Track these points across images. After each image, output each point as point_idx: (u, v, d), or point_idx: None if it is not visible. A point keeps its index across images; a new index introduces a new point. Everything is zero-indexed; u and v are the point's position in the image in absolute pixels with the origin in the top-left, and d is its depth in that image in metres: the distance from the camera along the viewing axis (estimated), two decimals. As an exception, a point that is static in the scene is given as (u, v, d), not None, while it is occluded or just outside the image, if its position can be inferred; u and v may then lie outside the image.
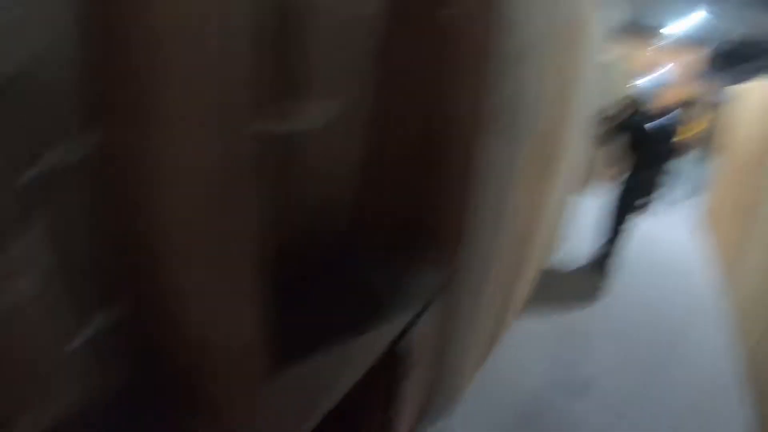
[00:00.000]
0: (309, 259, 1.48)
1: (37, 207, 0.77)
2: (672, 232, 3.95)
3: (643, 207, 2.87)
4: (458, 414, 2.00)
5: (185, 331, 0.87)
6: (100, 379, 1.07)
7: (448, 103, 1.37)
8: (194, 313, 0.81)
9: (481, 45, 1.32)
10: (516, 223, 1.52)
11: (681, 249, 3.68)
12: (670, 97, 2.98)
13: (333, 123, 1.33)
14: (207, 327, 0.81)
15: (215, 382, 0.90)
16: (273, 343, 0.80)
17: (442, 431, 1.95)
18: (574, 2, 1.83)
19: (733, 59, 6.68)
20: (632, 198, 2.86)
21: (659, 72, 3.04)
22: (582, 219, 3.31)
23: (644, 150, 2.74)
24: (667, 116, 2.77)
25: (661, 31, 6.16)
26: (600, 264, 2.93)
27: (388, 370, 1.40)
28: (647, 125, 2.68)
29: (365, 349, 1.27)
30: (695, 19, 5.23)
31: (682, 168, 4.43)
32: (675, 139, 2.89)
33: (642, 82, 2.92)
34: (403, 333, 1.34)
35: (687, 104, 3.26)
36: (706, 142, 5.07)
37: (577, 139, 2.35)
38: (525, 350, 2.33)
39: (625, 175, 2.82)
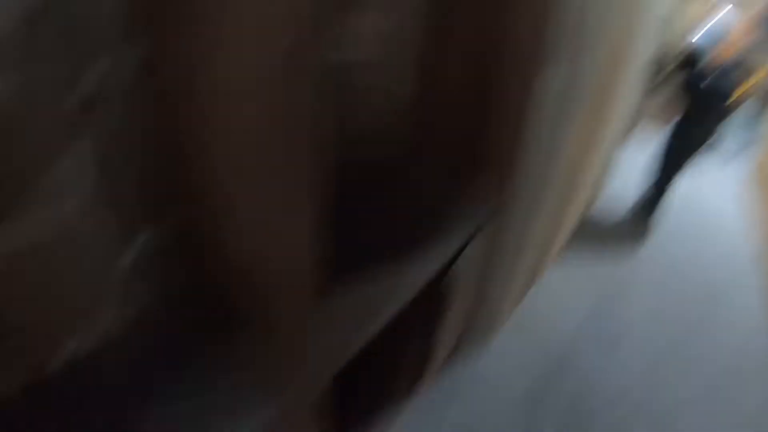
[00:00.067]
0: (363, 182, 1.48)
1: (82, 126, 0.77)
2: (718, 190, 3.82)
3: (690, 160, 2.77)
4: (492, 354, 2.03)
5: (237, 249, 0.88)
6: (148, 298, 1.10)
7: (507, 28, 1.32)
8: (247, 231, 0.82)
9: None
10: (566, 160, 1.49)
11: (726, 207, 3.56)
12: (728, 53, 2.82)
13: (387, 50, 1.30)
14: (260, 246, 0.81)
15: (265, 302, 0.92)
16: (325, 263, 0.79)
17: (476, 366, 1.98)
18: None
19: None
20: (680, 150, 2.76)
21: (718, 25, 2.88)
22: (629, 167, 3.22)
23: (697, 104, 2.62)
24: (723, 73, 2.63)
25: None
26: (643, 214, 2.87)
27: (433, 298, 1.41)
28: (702, 80, 2.56)
29: (413, 275, 1.28)
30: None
31: (734, 124, 4.24)
32: (729, 98, 2.75)
33: (700, 34, 2.78)
34: (450, 261, 1.34)
35: (745, 60, 3.08)
36: (762, 99, 4.83)
37: (634, 82, 2.26)
38: (561, 296, 2.34)
39: (675, 127, 2.72)
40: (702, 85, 2.56)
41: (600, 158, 2.21)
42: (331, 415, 1.19)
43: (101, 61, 0.74)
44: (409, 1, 1.29)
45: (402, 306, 1.21)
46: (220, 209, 0.84)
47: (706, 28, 2.83)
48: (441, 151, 1.55)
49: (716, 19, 2.99)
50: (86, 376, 1.00)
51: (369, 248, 1.33)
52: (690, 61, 2.65)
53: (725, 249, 2.96)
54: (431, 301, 1.43)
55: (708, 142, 2.76)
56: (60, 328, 0.97)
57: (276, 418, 0.99)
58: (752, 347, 2.25)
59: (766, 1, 5.55)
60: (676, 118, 2.70)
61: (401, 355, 1.68)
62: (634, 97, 2.28)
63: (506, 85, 1.35)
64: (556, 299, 2.33)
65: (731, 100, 2.69)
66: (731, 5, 3.14)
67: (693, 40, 2.78)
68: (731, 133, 4.38)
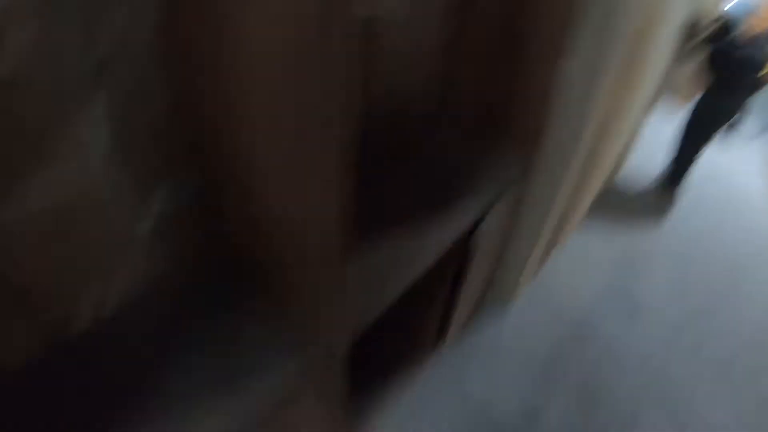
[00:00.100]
0: (390, 139, 1.47)
1: (99, 82, 0.76)
2: (744, 164, 3.74)
3: (717, 133, 2.71)
4: (511, 320, 2.04)
5: (262, 205, 0.88)
6: (171, 256, 1.10)
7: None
8: (272, 187, 0.81)
9: None
10: (594, 125, 1.46)
11: (751, 182, 3.49)
12: (762, 24, 2.73)
13: (414, 5, 1.28)
14: (285, 202, 0.80)
15: (291, 258, 0.91)
16: (352, 219, 0.78)
17: (494, 333, 2.00)
18: None
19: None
20: (707, 122, 2.69)
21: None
22: (655, 137, 3.16)
23: (728, 75, 2.55)
24: (757, 43, 2.55)
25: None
26: (667, 186, 2.83)
27: (458, 257, 1.41)
28: (735, 50, 2.48)
29: (439, 234, 1.28)
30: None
31: (762, 98, 4.11)
32: (761, 69, 2.67)
33: (734, 3, 2.69)
34: (475, 222, 1.34)
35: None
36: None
37: (664, 49, 2.20)
38: (582, 263, 2.33)
39: (703, 98, 2.66)
40: (734, 55, 2.48)
41: (627, 125, 2.17)
42: (353, 372, 1.21)
43: (119, 14, 0.74)
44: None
45: (427, 265, 1.21)
46: (245, 166, 0.83)
47: (744, -1, 2.73)
48: (467, 110, 1.53)
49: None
50: (111, 331, 1.01)
51: (395, 206, 1.33)
52: (723, 30, 2.57)
53: (749, 223, 2.91)
54: (455, 261, 1.44)
55: (736, 115, 2.70)
56: (83, 286, 0.97)
57: (301, 373, 1.01)
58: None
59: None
60: (705, 89, 2.64)
61: (424, 314, 1.70)
62: (663, 64, 2.22)
63: (535, 47, 1.33)
64: (576, 266, 2.33)
65: (764, 72, 2.61)
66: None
67: (726, 9, 2.69)
68: (758, 107, 4.26)
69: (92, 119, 0.78)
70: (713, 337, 2.09)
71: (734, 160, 3.71)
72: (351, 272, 0.87)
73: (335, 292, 0.88)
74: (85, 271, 0.95)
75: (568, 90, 1.34)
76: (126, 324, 1.03)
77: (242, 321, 1.06)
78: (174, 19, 0.76)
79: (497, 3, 1.33)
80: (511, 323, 2.05)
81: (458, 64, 1.42)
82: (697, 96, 2.66)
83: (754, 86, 2.62)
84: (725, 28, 2.56)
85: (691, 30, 2.64)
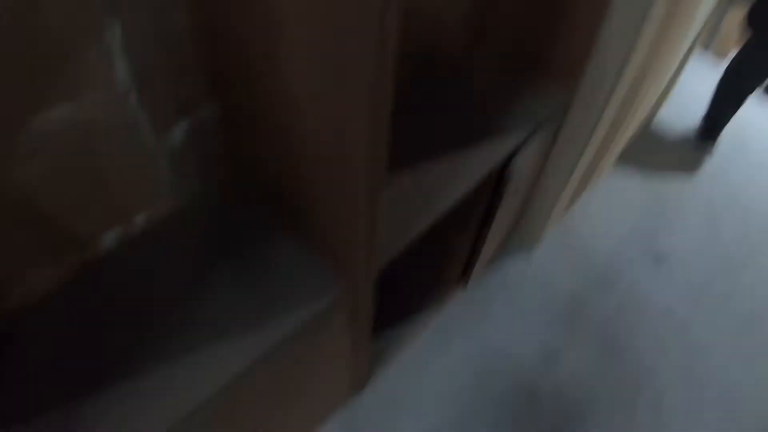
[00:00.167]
0: (427, 71, 1.43)
1: (115, 9, 0.73)
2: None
3: (751, 92, 2.55)
4: (534, 262, 2.00)
5: (293, 136, 0.82)
6: (194, 187, 1.08)
7: None
8: (303, 115, 0.76)
9: None
10: (636, 66, 1.37)
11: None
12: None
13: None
14: (318, 129, 0.76)
15: (321, 189, 0.88)
16: (387, 149, 0.74)
17: (517, 274, 1.96)
18: None
19: None
20: (742, 81, 2.53)
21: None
22: (695, 86, 3.01)
23: (765, 34, 2.36)
24: None
25: None
26: (704, 137, 2.71)
27: (489, 192, 1.36)
28: None
29: (472, 166, 1.23)
30: None
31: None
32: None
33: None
34: (510, 156, 1.28)
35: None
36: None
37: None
38: (611, 211, 2.26)
39: (746, 49, 2.48)
40: None
41: (667, 70, 2.05)
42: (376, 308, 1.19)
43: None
44: None
45: (459, 197, 1.17)
46: (277, 93, 0.78)
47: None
48: (507, 43, 1.48)
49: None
50: (137, 261, 1.00)
51: (429, 135, 1.29)
52: None
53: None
54: (486, 196, 1.39)
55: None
56: (108, 212, 0.96)
57: (329, 307, 0.98)
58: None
59: None
60: (743, 45, 2.46)
61: (450, 251, 1.67)
62: (707, 11, 2.07)
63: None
64: (605, 211, 2.26)
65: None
66: None
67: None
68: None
69: (109, 47, 0.75)
70: (738, 294, 2.03)
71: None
72: (384, 201, 0.81)
73: (368, 221, 0.83)
74: (110, 197, 0.94)
75: (611, 28, 1.26)
76: (152, 254, 1.02)
77: (271, 253, 1.04)
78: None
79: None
80: (535, 265, 2.00)
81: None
82: (743, 46, 2.49)
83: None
84: None
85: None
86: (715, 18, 2.79)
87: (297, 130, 0.80)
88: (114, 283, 0.96)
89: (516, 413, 1.61)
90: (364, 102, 0.63)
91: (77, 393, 0.81)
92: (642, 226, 2.23)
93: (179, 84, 0.91)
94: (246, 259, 1.01)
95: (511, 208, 1.57)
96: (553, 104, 1.41)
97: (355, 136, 0.69)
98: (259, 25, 0.70)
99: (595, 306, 1.90)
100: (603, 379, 1.72)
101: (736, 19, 2.72)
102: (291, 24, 0.64)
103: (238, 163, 1.10)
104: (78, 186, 0.86)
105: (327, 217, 0.92)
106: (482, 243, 1.51)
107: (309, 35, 0.62)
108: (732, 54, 2.59)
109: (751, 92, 2.51)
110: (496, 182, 1.33)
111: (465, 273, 1.69)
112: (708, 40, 3.28)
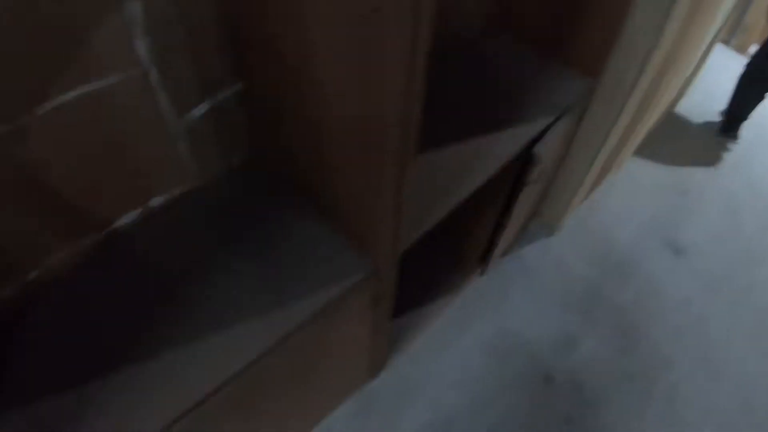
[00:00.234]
0: (451, 54, 1.41)
1: None
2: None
3: None
4: (554, 247, 1.99)
5: (318, 115, 0.81)
6: (212, 167, 1.07)
7: None
8: (331, 96, 0.75)
9: None
10: (659, 61, 1.35)
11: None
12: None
13: None
14: (346, 110, 0.74)
15: (348, 170, 0.86)
16: (417, 131, 0.73)
17: (537, 259, 1.95)
18: None
19: None
20: (764, 73, 2.47)
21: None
22: (720, 74, 2.95)
23: None
24: None
25: None
26: (725, 129, 2.66)
27: (513, 175, 1.35)
28: None
29: (496, 150, 1.22)
30: None
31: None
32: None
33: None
34: (535, 139, 1.27)
35: None
36: None
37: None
38: (631, 197, 2.24)
39: (763, 48, 2.42)
40: None
41: (694, 57, 2.01)
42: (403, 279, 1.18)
43: None
44: None
45: (484, 179, 1.16)
46: (306, 74, 0.76)
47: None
48: (537, 22, 1.46)
49: None
50: (158, 238, 1.00)
51: (457, 116, 1.28)
52: None
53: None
54: (510, 178, 1.38)
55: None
56: (126, 196, 0.97)
57: (351, 286, 0.98)
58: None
59: None
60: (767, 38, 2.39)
61: (472, 234, 1.67)
62: (731, 2, 2.02)
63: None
64: (626, 197, 2.23)
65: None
66: None
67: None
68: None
69: (130, 24, 0.74)
70: (758, 287, 2.01)
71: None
72: (411, 180, 0.80)
73: (394, 204, 0.83)
74: (129, 178, 0.94)
75: (635, 22, 1.25)
76: (170, 234, 1.01)
77: (293, 234, 1.03)
78: None
79: None
80: (554, 251, 1.99)
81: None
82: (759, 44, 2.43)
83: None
84: None
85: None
86: (738, 11, 2.73)
87: (324, 111, 0.79)
88: (133, 263, 0.96)
89: (531, 399, 1.61)
90: (399, 82, 0.62)
91: (90, 373, 0.81)
92: (662, 215, 2.20)
93: (202, 64, 0.89)
94: (267, 241, 1.01)
95: (532, 193, 1.56)
96: (577, 92, 1.39)
97: (386, 117, 0.68)
98: (287, 3, 0.69)
99: (613, 294, 1.89)
100: (619, 368, 1.71)
101: (759, 12, 2.66)
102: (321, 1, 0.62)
103: (260, 145, 1.09)
104: (96, 166, 0.86)
105: (352, 199, 0.91)
106: (503, 228, 1.50)
107: (340, 11, 0.61)
108: (755, 46, 2.53)
109: None
110: (520, 167, 1.32)
111: (484, 258, 1.69)
112: (731, 32, 3.21)
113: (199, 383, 0.81)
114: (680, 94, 2.65)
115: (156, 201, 1.02)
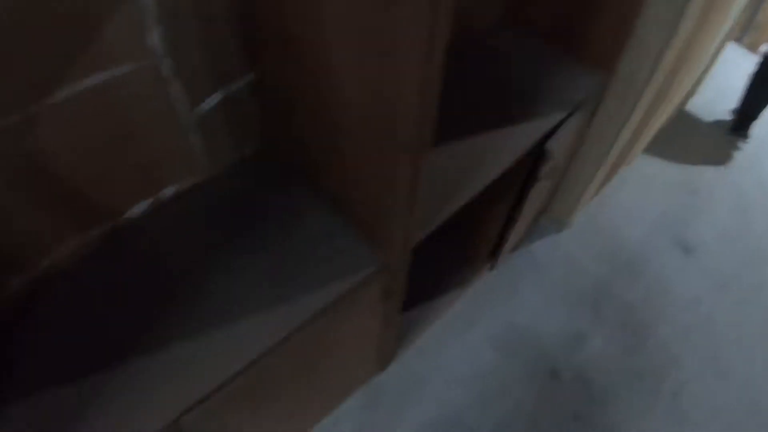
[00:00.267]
0: (464, 48, 1.40)
1: None
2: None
3: None
4: (563, 243, 1.98)
5: (332, 107, 0.80)
6: (224, 158, 1.07)
7: None
8: (345, 86, 0.74)
9: None
10: (671, 59, 1.34)
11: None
12: None
13: None
14: (360, 101, 0.73)
15: (362, 162, 0.86)
16: (433, 123, 0.72)
17: (546, 255, 1.94)
18: None
19: None
20: None
21: None
22: (731, 74, 2.93)
23: None
24: None
25: None
26: (738, 126, 2.63)
27: (525, 170, 1.34)
28: None
29: (509, 145, 1.21)
30: None
31: None
32: None
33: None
34: (547, 135, 1.26)
35: None
36: None
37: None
38: (641, 194, 2.22)
39: None
40: None
41: (707, 55, 1.99)
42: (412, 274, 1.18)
43: None
44: None
45: (497, 173, 1.16)
46: (321, 65, 0.75)
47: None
48: (549, 15, 1.45)
49: None
50: (169, 229, 1.00)
51: (470, 110, 1.27)
52: None
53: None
54: (522, 173, 1.37)
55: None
56: (138, 186, 0.96)
57: (373, 275, 0.98)
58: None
59: None
60: None
61: (482, 229, 1.66)
62: (743, 1, 2.00)
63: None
64: (636, 194, 2.22)
65: None
66: None
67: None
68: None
69: (143, 13, 0.74)
70: (766, 288, 1.99)
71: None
72: (424, 173, 0.79)
73: (408, 197, 0.82)
74: (141, 168, 0.93)
75: (648, 21, 1.24)
76: (181, 224, 1.01)
77: (305, 226, 1.03)
78: None
79: None
80: (563, 247, 1.99)
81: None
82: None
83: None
84: None
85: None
86: (751, 9, 2.70)
87: (338, 102, 0.78)
88: (142, 255, 0.96)
89: (538, 394, 1.61)
90: (415, 74, 0.61)
91: (91, 371, 0.81)
92: (672, 213, 2.18)
93: (215, 54, 0.89)
94: (278, 232, 1.00)
95: (543, 188, 1.55)
96: (590, 88, 1.38)
97: (401, 109, 0.67)
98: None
99: (621, 291, 1.88)
100: (627, 366, 1.70)
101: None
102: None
103: (273, 135, 1.09)
104: (107, 157, 0.85)
105: (365, 191, 0.91)
106: (513, 223, 1.50)
107: (357, 1, 0.60)
108: (767, 45, 2.50)
109: None
110: (532, 162, 1.31)
111: (494, 252, 1.68)
112: (743, 30, 3.18)
113: (209, 376, 0.80)
114: (691, 92, 2.62)
115: (167, 192, 1.02)
